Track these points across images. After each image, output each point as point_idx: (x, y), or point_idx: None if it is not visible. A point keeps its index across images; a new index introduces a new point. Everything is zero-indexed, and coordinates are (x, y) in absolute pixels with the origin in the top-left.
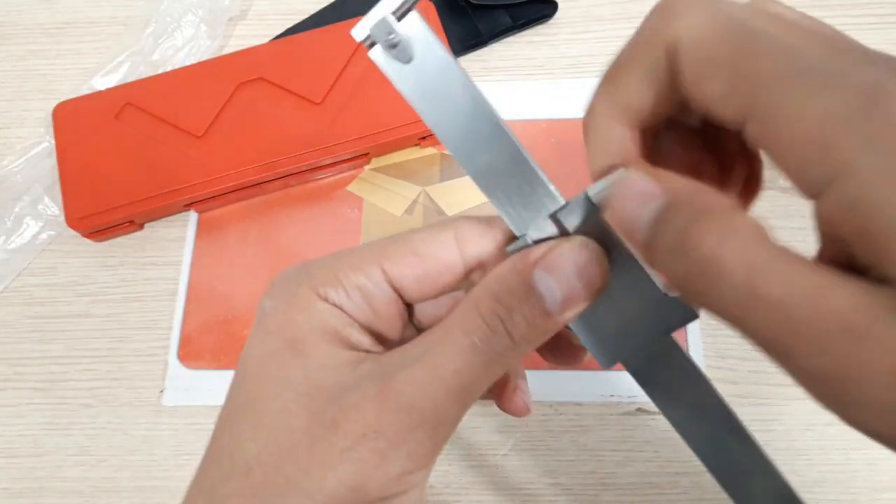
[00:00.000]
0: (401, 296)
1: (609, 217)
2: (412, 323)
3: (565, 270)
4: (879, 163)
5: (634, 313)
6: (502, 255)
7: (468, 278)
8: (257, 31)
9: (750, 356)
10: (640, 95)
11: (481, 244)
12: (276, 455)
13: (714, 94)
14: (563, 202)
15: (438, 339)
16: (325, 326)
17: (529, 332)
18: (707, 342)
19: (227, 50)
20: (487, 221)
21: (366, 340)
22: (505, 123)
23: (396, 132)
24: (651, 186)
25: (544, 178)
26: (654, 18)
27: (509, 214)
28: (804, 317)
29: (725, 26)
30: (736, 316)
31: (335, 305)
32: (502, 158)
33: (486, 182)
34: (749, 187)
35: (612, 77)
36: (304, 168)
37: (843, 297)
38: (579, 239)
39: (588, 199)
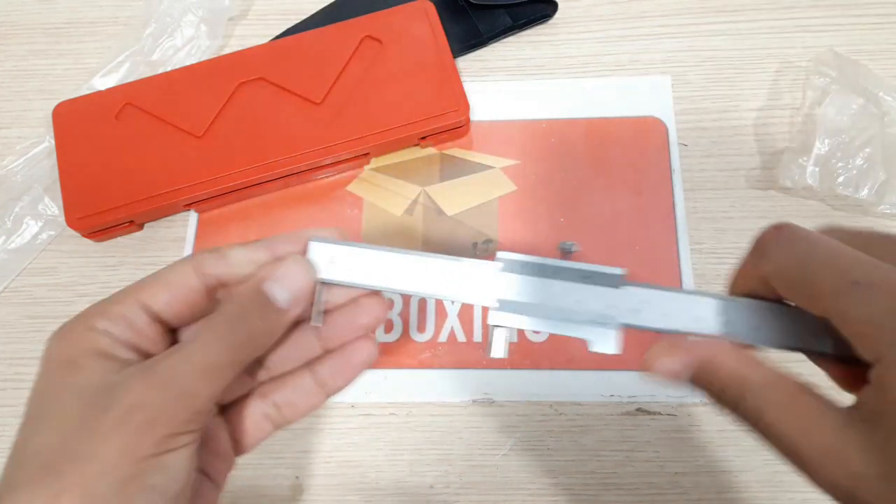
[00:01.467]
0: (161, 320)
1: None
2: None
3: (285, 278)
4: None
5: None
6: (236, 276)
7: (214, 297)
8: (257, 31)
9: None
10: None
11: (216, 267)
12: (59, 437)
13: (803, 304)
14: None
15: (191, 337)
16: (95, 347)
17: (265, 324)
18: None
19: (227, 50)
20: (219, 251)
21: (132, 355)
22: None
23: (396, 132)
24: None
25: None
26: (752, 258)
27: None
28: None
29: (797, 261)
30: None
31: (103, 332)
32: None
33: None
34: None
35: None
36: (304, 168)
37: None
38: (291, 258)
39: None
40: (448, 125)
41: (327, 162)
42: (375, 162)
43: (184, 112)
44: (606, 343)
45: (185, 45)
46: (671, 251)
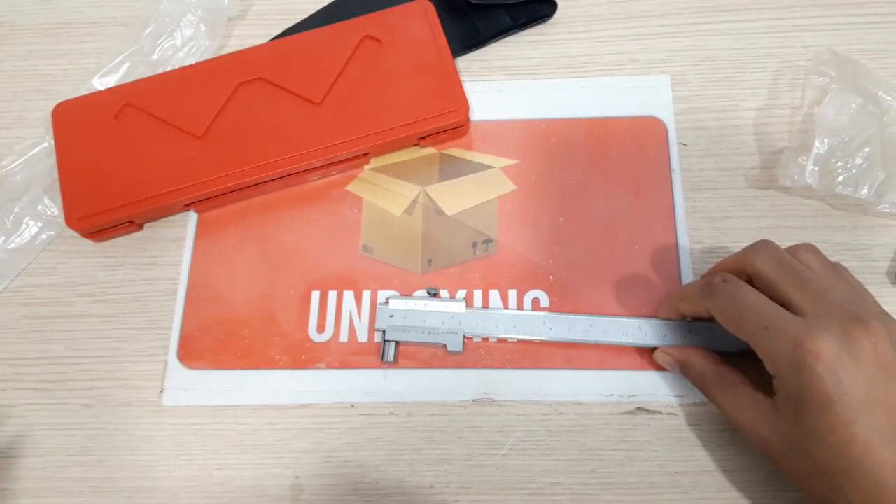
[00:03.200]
0: None
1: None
2: None
3: None
4: (787, 375)
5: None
6: None
7: None
8: (257, 31)
9: None
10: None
11: None
12: None
13: (733, 332)
14: None
15: None
16: None
17: None
18: None
19: (227, 50)
20: None
21: None
22: None
23: (396, 132)
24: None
25: None
26: (701, 295)
27: None
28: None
29: (733, 306)
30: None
31: None
32: None
33: None
34: None
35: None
36: (304, 168)
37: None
38: None
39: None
40: (448, 125)
41: (327, 162)
42: (375, 162)
43: (184, 112)
44: (456, 345)
45: (184, 45)
46: (671, 251)
